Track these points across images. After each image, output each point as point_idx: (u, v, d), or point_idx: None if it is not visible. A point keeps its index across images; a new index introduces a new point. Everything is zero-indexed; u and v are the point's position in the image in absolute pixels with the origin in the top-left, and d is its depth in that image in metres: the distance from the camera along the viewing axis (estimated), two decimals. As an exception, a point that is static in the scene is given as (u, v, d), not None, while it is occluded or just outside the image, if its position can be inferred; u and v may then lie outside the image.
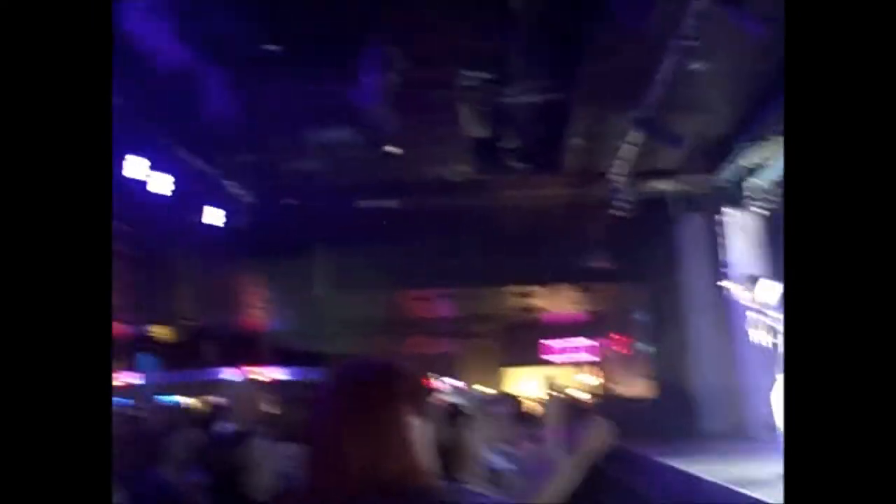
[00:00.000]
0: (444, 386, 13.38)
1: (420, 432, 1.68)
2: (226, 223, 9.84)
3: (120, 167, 7.66)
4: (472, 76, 7.41)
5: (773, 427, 6.00)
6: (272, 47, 6.66)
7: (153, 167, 8.34)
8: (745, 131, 9.10)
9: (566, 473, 2.09)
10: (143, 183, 8.26)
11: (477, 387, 15.96)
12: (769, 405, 6.20)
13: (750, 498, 5.14)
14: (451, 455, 3.55)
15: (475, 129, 8.19)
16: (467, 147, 8.68)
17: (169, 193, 8.61)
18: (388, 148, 7.62)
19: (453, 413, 3.83)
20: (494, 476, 3.87)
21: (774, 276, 6.56)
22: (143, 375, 22.86)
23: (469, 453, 3.77)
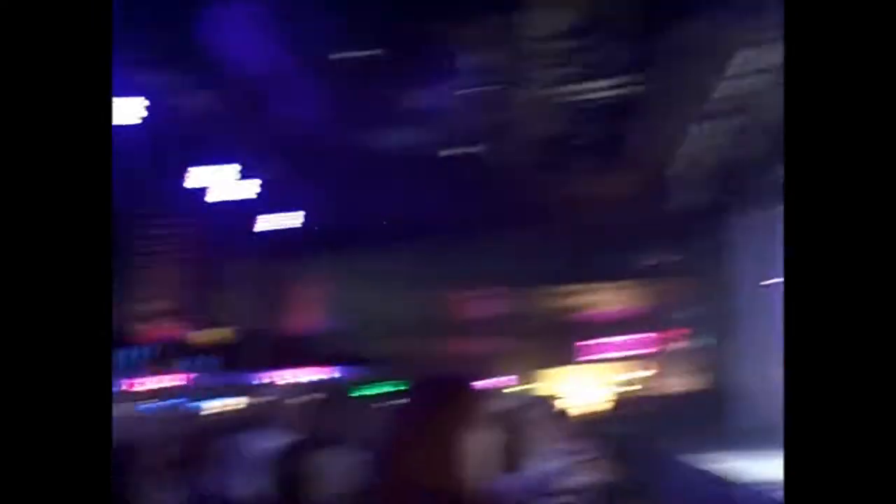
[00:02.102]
0: (491, 388, 13.37)
1: (469, 445, 1.74)
2: (277, 228, 9.92)
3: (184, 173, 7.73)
4: (547, 74, 7.41)
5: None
6: (342, 55, 6.68)
7: (211, 174, 8.39)
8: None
9: None
10: (201, 190, 8.30)
11: (523, 387, 15.96)
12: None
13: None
14: (500, 459, 3.55)
15: (546, 127, 8.17)
16: (533, 145, 8.67)
17: (222, 199, 8.65)
18: (458, 149, 7.62)
19: (500, 419, 3.83)
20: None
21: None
22: (190, 377, 23.08)
23: (517, 458, 3.79)
